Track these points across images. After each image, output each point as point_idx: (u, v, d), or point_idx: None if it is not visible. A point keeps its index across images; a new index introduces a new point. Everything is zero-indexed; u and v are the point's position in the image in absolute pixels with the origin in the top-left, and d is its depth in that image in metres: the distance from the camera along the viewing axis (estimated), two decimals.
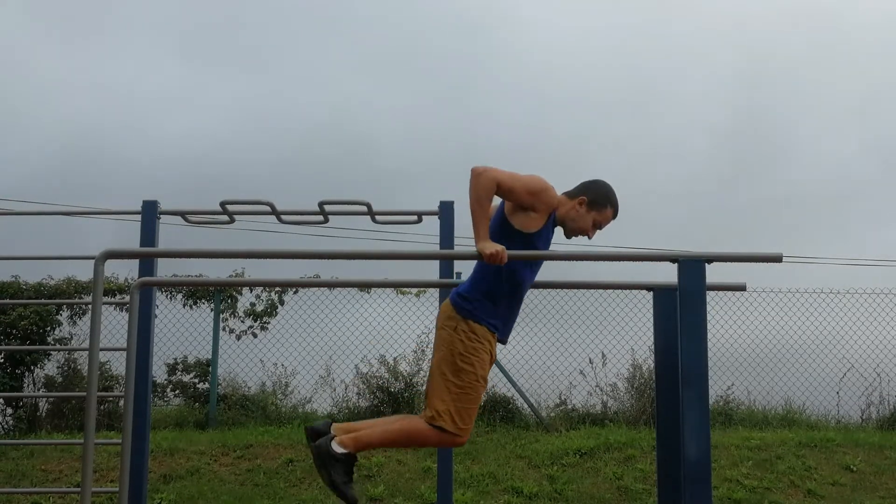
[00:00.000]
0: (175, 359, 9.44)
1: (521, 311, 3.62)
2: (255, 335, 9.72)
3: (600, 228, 3.58)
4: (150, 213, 4.83)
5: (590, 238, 3.59)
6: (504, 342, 3.55)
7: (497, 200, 3.44)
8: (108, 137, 18.78)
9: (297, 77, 20.37)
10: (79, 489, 3.40)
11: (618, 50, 20.30)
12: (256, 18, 20.43)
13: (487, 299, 3.40)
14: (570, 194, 3.54)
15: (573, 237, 3.59)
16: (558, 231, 3.61)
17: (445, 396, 3.34)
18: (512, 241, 3.38)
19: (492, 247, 3.23)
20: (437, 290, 4.94)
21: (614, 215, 3.58)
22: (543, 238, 3.48)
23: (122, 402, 7.67)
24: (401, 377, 9.16)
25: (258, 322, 9.75)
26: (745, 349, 9.57)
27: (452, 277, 4.90)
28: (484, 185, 3.26)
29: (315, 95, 20.24)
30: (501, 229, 3.43)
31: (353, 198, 4.92)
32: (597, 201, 3.51)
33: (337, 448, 3.30)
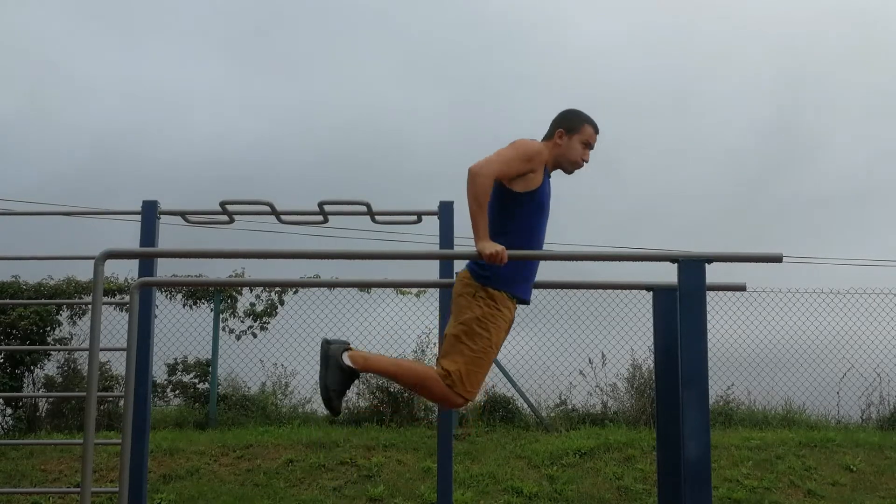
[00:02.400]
0: (175, 359, 9.45)
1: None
2: (254, 335, 9.72)
3: (591, 148, 3.64)
4: (149, 213, 4.83)
5: (587, 161, 3.64)
6: (527, 301, 3.56)
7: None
8: (140, 137, 18.96)
9: (329, 80, 20.54)
10: (79, 489, 3.40)
11: (651, 50, 20.31)
12: (288, 22, 20.55)
13: (505, 264, 3.40)
14: (548, 136, 3.62)
15: (574, 170, 3.65)
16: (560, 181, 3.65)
17: (458, 358, 3.35)
18: (518, 205, 3.43)
19: (492, 247, 3.23)
20: (437, 290, 4.93)
21: (595, 129, 3.64)
22: (546, 190, 3.54)
23: (122, 402, 7.67)
24: None
25: (258, 322, 9.76)
26: (745, 349, 9.57)
27: (452, 277, 4.88)
28: (483, 183, 3.28)
29: (347, 98, 20.36)
30: (504, 198, 3.45)
31: (353, 198, 4.92)
32: (573, 126, 3.59)
33: (345, 359, 3.32)
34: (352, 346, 3.43)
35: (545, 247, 3.64)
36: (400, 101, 20.36)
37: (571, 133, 3.58)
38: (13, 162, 17.89)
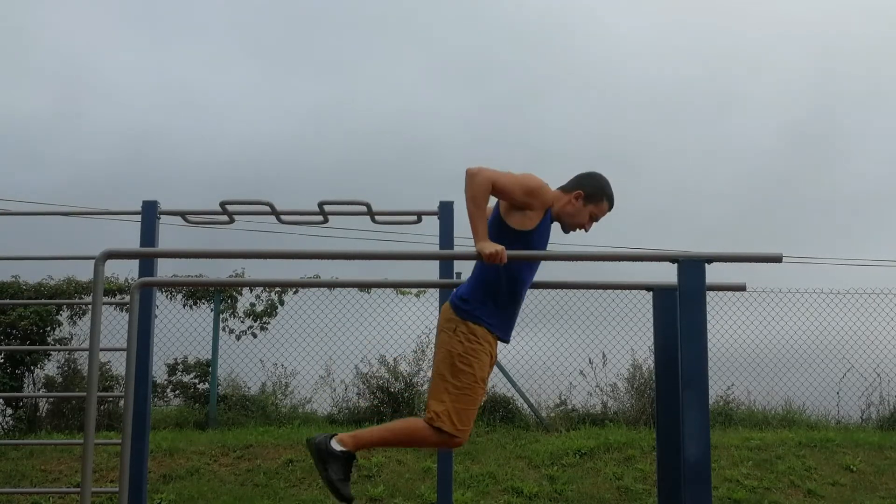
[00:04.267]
0: (175, 359, 9.44)
1: (522, 309, 3.63)
2: (254, 335, 9.72)
3: (596, 221, 3.61)
4: (149, 213, 4.83)
5: (586, 231, 3.61)
6: (507, 341, 3.55)
7: (492, 201, 3.43)
8: (170, 138, 19.02)
9: (361, 83, 20.56)
10: (79, 489, 3.40)
11: (684, 52, 20.27)
12: (326, 26, 20.60)
13: (487, 300, 3.41)
14: (565, 189, 3.56)
15: (571, 232, 3.61)
16: (556, 228, 3.62)
17: (444, 397, 3.34)
18: (509, 241, 3.38)
19: (491, 247, 3.23)
20: (437, 290, 4.94)
21: (610, 207, 3.60)
22: (541, 236, 3.48)
23: (122, 403, 7.67)
24: (401, 377, 9.16)
25: (258, 322, 9.75)
26: (745, 349, 9.57)
27: (452, 277, 4.90)
28: (480, 184, 3.26)
29: (379, 101, 20.37)
30: (498, 229, 3.43)
31: (353, 198, 4.92)
32: (594, 195, 3.53)
33: (335, 445, 3.32)
34: (336, 433, 3.43)
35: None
36: (429, 105, 20.36)
37: (589, 201, 3.52)
38: (38, 162, 18.00)
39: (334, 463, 3.30)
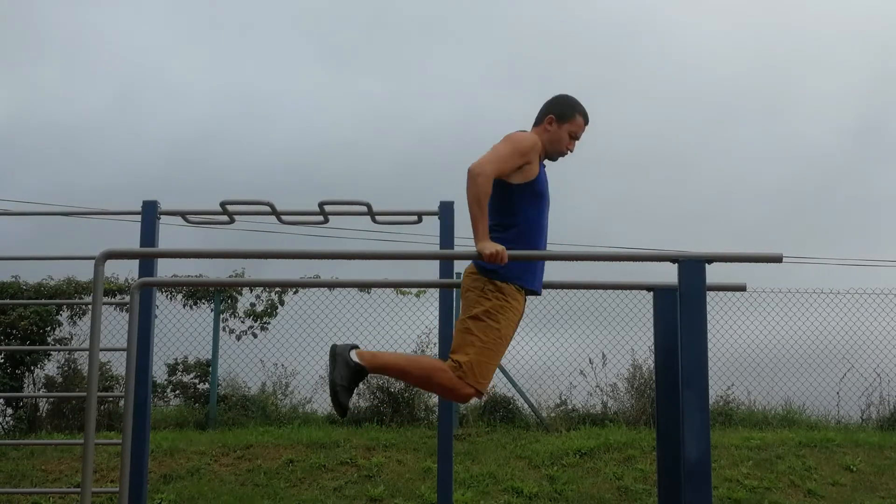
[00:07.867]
0: (175, 359, 9.45)
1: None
2: (255, 335, 9.72)
3: (577, 139, 3.65)
4: (150, 213, 4.83)
5: (571, 151, 3.65)
6: (537, 292, 3.56)
7: None
8: (224, 140, 19.07)
9: (419, 84, 20.57)
10: (79, 489, 3.40)
11: (746, 49, 20.16)
12: (385, 26, 20.58)
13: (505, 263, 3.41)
14: (537, 122, 3.62)
15: (557, 158, 3.66)
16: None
17: (469, 350, 3.35)
18: (519, 197, 3.44)
19: (492, 247, 3.24)
20: (437, 290, 4.93)
21: (586, 121, 3.64)
22: (543, 178, 3.55)
23: (122, 403, 7.67)
24: None
25: (258, 322, 9.75)
26: (745, 349, 9.56)
27: (452, 277, 4.89)
28: (483, 185, 3.28)
29: (437, 102, 20.33)
30: (504, 192, 3.46)
31: (352, 198, 4.93)
32: (564, 113, 3.59)
33: (353, 356, 3.34)
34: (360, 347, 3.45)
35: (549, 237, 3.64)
36: (487, 106, 20.30)
37: (562, 121, 3.58)
38: (91, 162, 18.00)
39: (344, 369, 3.31)
